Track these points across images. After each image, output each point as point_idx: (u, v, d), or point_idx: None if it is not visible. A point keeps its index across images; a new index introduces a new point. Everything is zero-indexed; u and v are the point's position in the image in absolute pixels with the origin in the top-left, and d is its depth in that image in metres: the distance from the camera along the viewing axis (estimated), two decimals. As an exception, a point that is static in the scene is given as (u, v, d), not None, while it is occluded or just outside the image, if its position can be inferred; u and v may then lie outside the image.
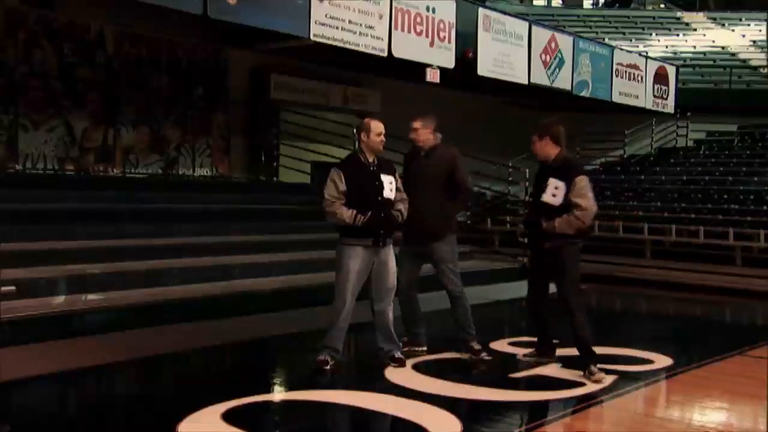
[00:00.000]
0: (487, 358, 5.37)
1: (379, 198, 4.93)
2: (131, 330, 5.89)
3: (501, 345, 5.92)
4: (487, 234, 12.72)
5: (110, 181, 9.70)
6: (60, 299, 6.21)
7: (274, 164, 12.02)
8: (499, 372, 5.17)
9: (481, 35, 10.49)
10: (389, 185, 4.97)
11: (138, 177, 10.14)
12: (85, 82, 9.57)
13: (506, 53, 10.91)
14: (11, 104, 8.92)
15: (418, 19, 9.41)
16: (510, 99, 14.20)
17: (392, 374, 4.94)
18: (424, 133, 5.36)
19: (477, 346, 5.38)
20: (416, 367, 5.13)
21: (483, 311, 8.11)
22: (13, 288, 5.19)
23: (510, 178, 13.36)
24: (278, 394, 4.85)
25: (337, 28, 8.54)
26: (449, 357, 5.50)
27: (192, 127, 10.83)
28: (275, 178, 11.97)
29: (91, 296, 6.34)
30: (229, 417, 3.97)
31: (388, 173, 5.01)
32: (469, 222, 13.55)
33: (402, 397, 4.53)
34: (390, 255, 5.04)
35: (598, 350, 5.10)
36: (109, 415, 4.30)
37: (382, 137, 4.99)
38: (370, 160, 5.01)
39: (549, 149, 5.03)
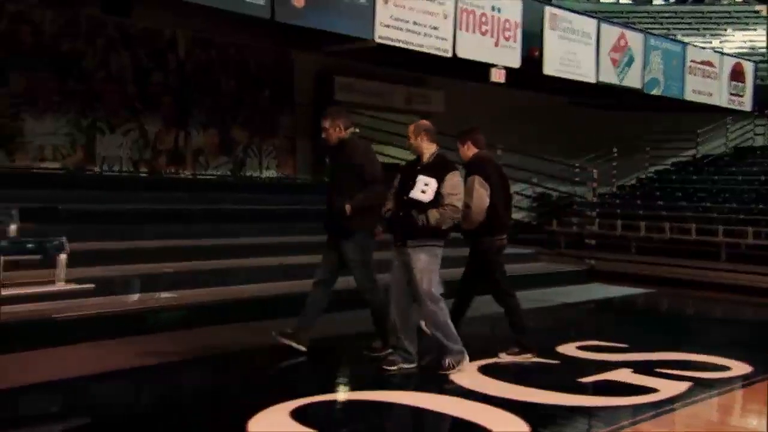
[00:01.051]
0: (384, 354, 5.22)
1: (404, 197, 4.93)
2: (200, 327, 6.04)
3: (569, 349, 5.81)
4: (552, 235, 12.51)
5: (181, 183, 9.99)
6: (134, 297, 6.43)
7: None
8: (568, 376, 5.07)
9: (548, 34, 10.34)
10: (423, 186, 4.88)
11: (207, 178, 10.40)
12: (158, 87, 9.89)
13: (573, 51, 10.72)
14: (90, 109, 9.31)
15: (483, 19, 9.35)
16: (576, 98, 13.94)
17: (458, 376, 4.91)
18: (334, 133, 5.34)
19: (377, 344, 5.38)
20: (482, 370, 5.09)
21: (549, 314, 8.01)
22: (92, 286, 5.45)
23: (576, 179, 13.11)
24: (345, 393, 4.89)
25: (401, 29, 8.57)
26: (515, 360, 5.43)
27: (259, 129, 11.05)
28: (339, 179, 12.08)
29: (163, 294, 6.54)
30: (297, 415, 4.02)
31: (430, 175, 4.91)
32: (534, 223, 13.38)
33: (467, 400, 4.50)
34: (413, 256, 4.91)
35: (673, 356, 4.95)
36: (181, 411, 4.41)
37: (408, 140, 5.07)
38: (424, 159, 5.02)
39: (470, 152, 5.52)
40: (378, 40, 8.41)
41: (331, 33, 8.36)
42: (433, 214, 4.83)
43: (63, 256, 5.33)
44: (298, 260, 8.01)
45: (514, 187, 12.99)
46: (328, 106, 11.56)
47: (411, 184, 4.93)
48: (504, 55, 9.70)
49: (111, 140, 9.51)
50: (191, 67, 10.21)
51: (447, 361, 4.96)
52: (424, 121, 5.22)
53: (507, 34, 9.66)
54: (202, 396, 4.73)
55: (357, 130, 5.43)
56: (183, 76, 10.13)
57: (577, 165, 12.92)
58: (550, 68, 10.44)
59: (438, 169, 4.94)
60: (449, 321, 5.02)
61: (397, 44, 8.59)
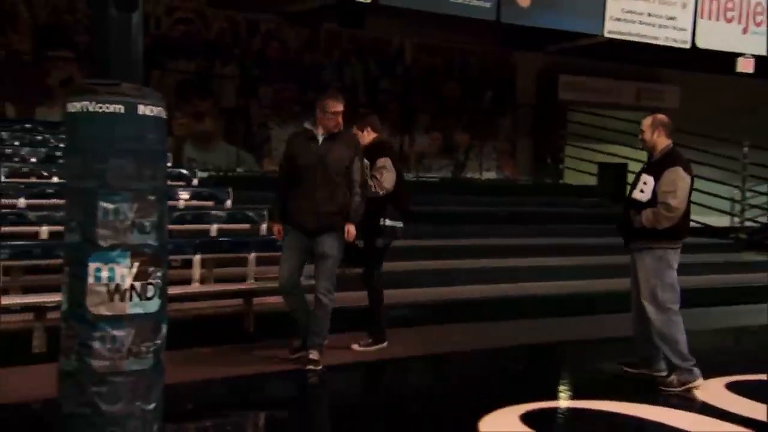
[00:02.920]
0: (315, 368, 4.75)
1: (628, 197, 4.71)
2: (421, 326, 6.16)
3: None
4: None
5: (405, 185, 10.31)
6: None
7: (560, 166, 11.83)
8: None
9: (808, 15, 9.18)
10: (642, 185, 4.57)
11: (430, 181, 10.68)
12: (385, 93, 10.38)
13: (841, 33, 9.40)
14: (326, 117, 10.03)
15: (729, 5, 8.56)
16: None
17: (700, 392, 4.52)
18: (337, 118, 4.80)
19: (314, 356, 4.77)
20: (730, 387, 4.64)
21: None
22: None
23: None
24: (575, 401, 4.71)
25: (633, 22, 8.15)
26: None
27: (480, 131, 11.12)
28: (560, 180, 11.78)
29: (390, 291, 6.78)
30: (528, 419, 3.96)
31: (650, 172, 4.58)
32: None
33: (710, 417, 4.14)
34: (637, 260, 4.61)
35: None
36: (412, 406, 4.51)
37: (641, 134, 4.72)
38: (654, 157, 4.68)
39: (370, 137, 5.37)
40: (607, 35, 8.08)
41: (555, 31, 8.20)
42: (646, 215, 4.51)
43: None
44: (518, 262, 7.92)
45: (761, 188, 11.86)
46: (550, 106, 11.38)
47: (635, 182, 4.71)
48: (753, 43, 8.81)
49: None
50: (416, 73, 10.58)
51: (673, 378, 4.58)
52: (661, 115, 4.82)
53: (758, 19, 8.75)
54: (431, 393, 4.83)
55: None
56: (409, 82, 10.53)
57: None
58: (810, 54, 9.25)
59: (660, 165, 4.59)
60: (679, 335, 4.55)
61: (628, 38, 8.18)
